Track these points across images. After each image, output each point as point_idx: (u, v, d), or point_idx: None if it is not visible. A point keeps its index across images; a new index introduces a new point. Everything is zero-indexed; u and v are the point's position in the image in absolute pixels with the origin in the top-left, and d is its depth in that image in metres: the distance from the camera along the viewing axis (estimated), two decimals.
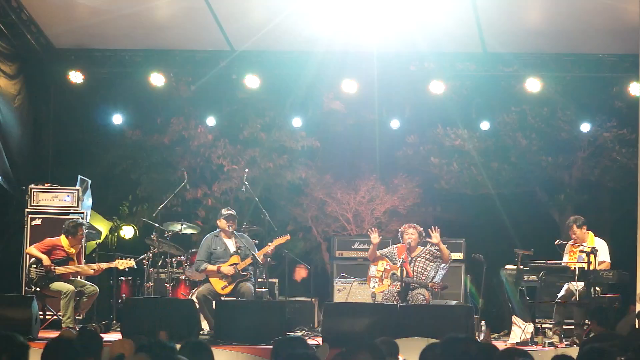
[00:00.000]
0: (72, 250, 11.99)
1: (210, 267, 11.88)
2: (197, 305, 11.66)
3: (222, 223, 12.13)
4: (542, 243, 12.72)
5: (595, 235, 12.16)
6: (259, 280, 12.03)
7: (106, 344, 6.48)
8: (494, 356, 4.88)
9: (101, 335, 11.06)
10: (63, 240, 11.98)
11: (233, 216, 12.09)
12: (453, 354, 4.38)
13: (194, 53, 14.51)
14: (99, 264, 12.32)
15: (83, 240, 12.36)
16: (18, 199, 14.10)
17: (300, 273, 15.78)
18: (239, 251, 11.92)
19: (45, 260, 11.78)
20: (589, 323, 10.93)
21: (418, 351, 5.35)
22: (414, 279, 11.52)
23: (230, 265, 11.85)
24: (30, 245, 12.57)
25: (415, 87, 15.09)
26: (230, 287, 11.83)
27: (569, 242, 12.10)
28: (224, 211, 12.25)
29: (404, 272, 11.53)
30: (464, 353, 4.38)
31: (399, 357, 6.69)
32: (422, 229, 11.89)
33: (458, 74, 14.75)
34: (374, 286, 11.90)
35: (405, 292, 11.50)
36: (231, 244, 12.04)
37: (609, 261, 11.92)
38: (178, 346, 5.52)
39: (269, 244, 12.00)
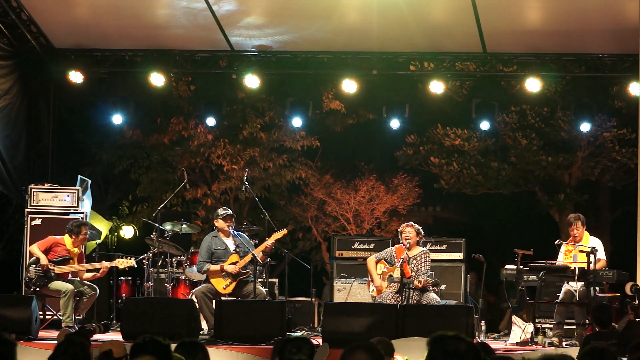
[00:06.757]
0: (75, 250, 11.96)
1: (213, 267, 11.86)
2: (197, 305, 11.64)
3: (220, 223, 12.10)
4: (542, 243, 12.71)
5: (590, 235, 12.10)
6: (259, 280, 12.01)
7: (96, 344, 6.48)
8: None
9: (93, 334, 11.21)
10: (66, 239, 11.97)
11: (230, 215, 12.08)
12: (442, 352, 4.36)
13: (194, 53, 14.51)
14: (104, 262, 12.25)
15: (85, 242, 12.32)
16: (18, 199, 14.12)
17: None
18: (238, 249, 11.91)
19: (43, 259, 11.75)
20: (590, 322, 10.93)
21: (418, 351, 5.34)
22: (411, 279, 11.46)
23: (231, 263, 11.86)
24: (31, 244, 12.54)
25: (415, 87, 15.10)
26: (232, 287, 11.82)
27: (565, 242, 12.08)
28: (221, 211, 12.22)
29: (402, 273, 11.48)
30: (453, 351, 4.35)
31: (397, 356, 6.68)
32: (419, 227, 11.85)
33: (458, 74, 14.76)
34: (373, 289, 11.89)
35: (402, 291, 11.45)
36: (230, 243, 12.03)
37: (605, 259, 11.91)
38: (174, 345, 5.51)
39: (267, 239, 11.97)
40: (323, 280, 16.35)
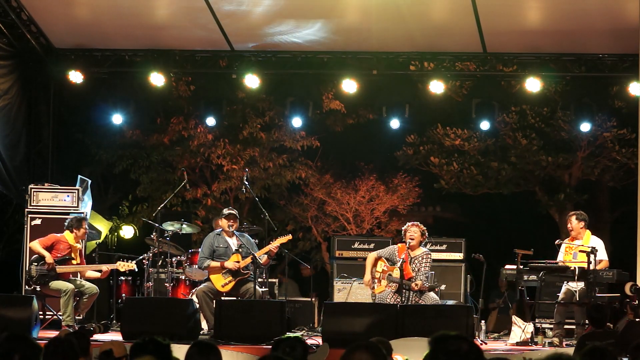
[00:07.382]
0: (77, 246, 12.00)
1: (214, 263, 11.88)
2: (197, 304, 11.65)
3: (223, 222, 12.13)
4: (542, 243, 12.71)
5: (592, 234, 12.10)
6: (259, 280, 12.01)
7: (96, 344, 6.48)
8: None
9: (93, 334, 11.21)
10: (67, 235, 11.98)
11: (234, 215, 12.09)
12: (444, 352, 4.35)
13: (194, 53, 14.52)
14: (107, 265, 12.24)
15: (85, 236, 12.34)
16: (18, 199, 14.11)
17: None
18: (240, 250, 11.92)
19: (48, 258, 11.76)
20: (587, 322, 10.93)
21: (418, 351, 5.35)
22: (412, 280, 11.40)
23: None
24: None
25: (415, 87, 15.10)
26: (231, 285, 11.82)
27: (564, 241, 12.08)
28: (225, 210, 12.26)
29: (402, 272, 11.44)
30: (455, 351, 4.35)
31: (396, 356, 6.68)
32: (425, 228, 11.80)
33: (458, 74, 14.77)
34: (373, 287, 11.87)
35: (401, 292, 11.40)
36: (233, 243, 12.05)
37: (607, 259, 11.90)
38: (179, 346, 5.51)
39: (271, 242, 11.98)
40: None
